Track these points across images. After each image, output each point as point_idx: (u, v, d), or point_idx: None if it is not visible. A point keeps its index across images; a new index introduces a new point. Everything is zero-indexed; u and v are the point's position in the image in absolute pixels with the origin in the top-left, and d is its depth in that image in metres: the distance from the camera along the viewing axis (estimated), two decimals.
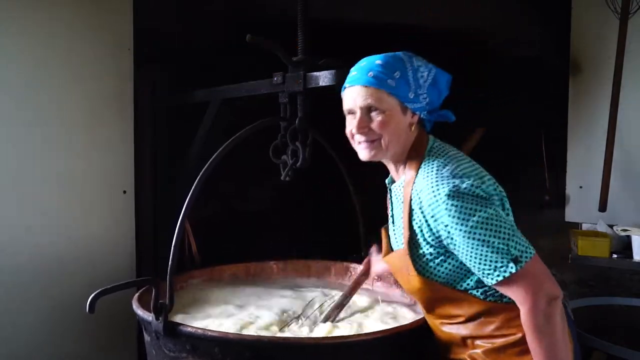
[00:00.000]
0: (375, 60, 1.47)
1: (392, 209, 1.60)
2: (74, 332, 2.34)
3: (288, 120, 2.02)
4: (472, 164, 1.43)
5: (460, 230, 1.31)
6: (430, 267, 1.43)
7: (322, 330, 1.76)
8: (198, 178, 1.65)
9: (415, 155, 1.48)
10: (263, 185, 3.12)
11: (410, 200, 1.43)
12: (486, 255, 1.30)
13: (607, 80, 3.01)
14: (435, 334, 1.57)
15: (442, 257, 1.41)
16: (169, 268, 1.56)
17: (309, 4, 2.00)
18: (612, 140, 2.98)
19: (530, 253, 1.31)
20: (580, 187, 3.29)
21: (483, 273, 1.33)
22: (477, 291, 1.42)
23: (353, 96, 1.47)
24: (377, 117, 1.44)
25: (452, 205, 1.31)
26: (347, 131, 1.52)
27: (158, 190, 2.66)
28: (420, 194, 1.39)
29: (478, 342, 1.45)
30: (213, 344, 1.49)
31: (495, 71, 3.19)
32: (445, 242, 1.37)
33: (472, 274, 1.40)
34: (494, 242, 1.29)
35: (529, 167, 3.37)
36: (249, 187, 3.24)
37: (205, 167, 1.67)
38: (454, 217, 1.31)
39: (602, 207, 3.01)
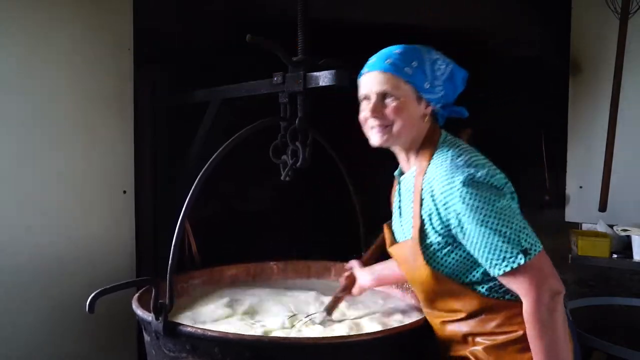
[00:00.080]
0: (395, 49, 1.49)
1: (399, 200, 1.60)
2: (74, 332, 2.34)
3: (288, 120, 2.02)
4: (484, 157, 1.44)
5: (473, 218, 1.31)
6: (438, 257, 1.43)
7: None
8: (198, 178, 1.65)
9: (427, 146, 1.49)
10: (263, 185, 3.12)
11: (422, 189, 1.43)
12: (497, 245, 1.31)
13: (607, 80, 3.01)
14: (435, 333, 1.57)
15: (449, 247, 1.41)
16: (168, 268, 1.56)
17: (309, 4, 2.00)
18: (612, 141, 2.98)
19: (539, 247, 1.32)
20: (580, 187, 3.30)
21: (491, 263, 1.33)
22: (482, 287, 1.43)
23: (369, 81, 1.49)
24: (391, 103, 1.46)
25: (466, 192, 1.32)
26: (361, 117, 1.53)
27: (158, 190, 2.66)
28: (432, 183, 1.40)
29: (479, 339, 1.45)
30: (213, 344, 1.49)
31: (495, 71, 3.19)
32: (454, 231, 1.38)
33: (478, 266, 1.40)
34: (506, 232, 1.30)
35: (529, 167, 3.37)
36: (249, 187, 3.24)
37: (206, 167, 1.67)
38: (467, 204, 1.32)
39: (602, 207, 3.01)
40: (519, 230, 1.31)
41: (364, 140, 1.99)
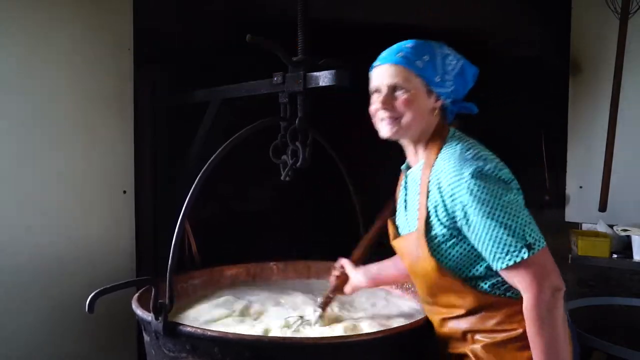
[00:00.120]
0: (407, 43, 1.51)
1: (405, 194, 1.61)
2: (74, 332, 2.34)
3: (288, 120, 2.02)
4: (491, 152, 1.45)
5: (480, 210, 1.32)
6: (442, 249, 1.44)
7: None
8: (198, 178, 1.65)
9: (436, 140, 1.51)
10: (263, 185, 3.12)
11: (428, 181, 1.44)
12: (501, 238, 1.31)
13: (607, 80, 3.02)
14: (435, 330, 1.58)
15: (454, 240, 1.42)
16: (168, 267, 1.56)
17: (309, 4, 2.00)
18: (612, 141, 2.99)
19: (543, 243, 1.33)
20: (580, 187, 3.30)
21: (494, 256, 1.33)
22: (485, 283, 1.43)
23: (381, 74, 1.51)
24: (401, 96, 1.47)
25: (474, 184, 1.33)
26: (371, 109, 1.55)
27: (158, 190, 2.66)
28: (439, 175, 1.41)
29: (478, 336, 1.45)
30: (213, 344, 1.49)
31: (495, 71, 3.18)
32: (459, 224, 1.38)
33: (482, 260, 1.41)
34: (511, 225, 1.31)
35: (529, 167, 3.36)
36: (249, 187, 3.24)
37: (205, 167, 1.67)
38: (475, 196, 1.32)
39: (602, 207, 3.01)
40: (524, 225, 1.32)
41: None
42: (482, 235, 1.34)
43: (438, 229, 1.43)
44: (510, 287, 1.40)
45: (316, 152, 2.06)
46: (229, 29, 2.85)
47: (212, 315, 1.87)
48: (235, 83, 2.25)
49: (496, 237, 1.32)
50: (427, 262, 1.45)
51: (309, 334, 1.73)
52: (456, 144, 1.45)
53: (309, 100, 2.00)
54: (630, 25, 2.94)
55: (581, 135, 3.30)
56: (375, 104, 1.52)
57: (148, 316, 1.58)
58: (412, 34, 1.79)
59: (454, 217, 1.39)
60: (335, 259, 2.27)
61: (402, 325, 1.69)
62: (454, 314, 1.48)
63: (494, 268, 1.36)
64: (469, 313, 1.46)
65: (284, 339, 1.59)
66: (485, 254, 1.36)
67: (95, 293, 1.48)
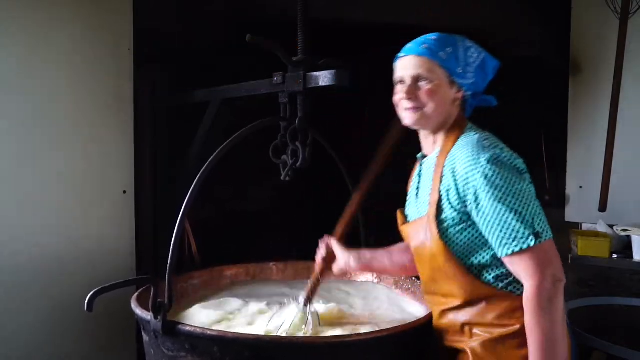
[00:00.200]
0: (431, 35, 1.55)
1: (418, 182, 1.63)
2: (74, 332, 2.34)
3: (288, 120, 2.02)
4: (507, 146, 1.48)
5: (492, 194, 1.34)
6: (450, 233, 1.45)
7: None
8: (197, 177, 1.64)
9: (455, 130, 1.54)
10: (263, 185, 3.12)
11: (443, 166, 1.47)
12: (510, 223, 1.33)
13: (607, 80, 3.02)
14: (434, 323, 1.59)
15: (463, 225, 1.43)
16: (168, 266, 1.56)
17: (309, 4, 2.00)
18: (612, 141, 2.99)
19: (550, 235, 1.35)
20: (580, 187, 3.30)
21: (501, 242, 1.35)
22: (489, 274, 1.44)
23: (405, 65, 1.54)
24: (425, 86, 1.50)
25: (489, 169, 1.36)
26: (395, 98, 1.57)
27: (158, 190, 2.66)
28: (455, 160, 1.44)
29: (476, 330, 1.46)
30: (212, 344, 1.49)
31: None
32: (469, 208, 1.40)
33: (488, 249, 1.42)
34: (521, 212, 1.33)
35: (529, 167, 3.37)
36: (248, 187, 3.24)
37: (205, 166, 1.67)
38: (489, 180, 1.35)
39: (602, 207, 3.01)
40: (533, 214, 1.34)
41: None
42: (492, 219, 1.36)
43: (448, 213, 1.45)
44: (513, 282, 1.41)
45: (316, 152, 2.06)
46: (229, 29, 2.85)
47: (211, 316, 1.86)
48: (235, 83, 2.25)
49: (505, 222, 1.34)
50: (434, 245, 1.47)
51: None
52: (474, 134, 1.49)
53: (309, 100, 2.00)
54: (630, 25, 2.94)
55: (581, 135, 3.30)
56: (400, 94, 1.55)
57: (147, 315, 1.58)
58: (412, 34, 1.80)
59: (465, 201, 1.41)
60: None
61: (402, 325, 1.68)
62: (454, 304, 1.49)
63: (499, 254, 1.37)
64: (469, 304, 1.46)
65: (284, 338, 1.59)
66: (492, 239, 1.37)
67: (94, 292, 1.48)
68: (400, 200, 1.86)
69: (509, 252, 1.34)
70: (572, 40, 3.32)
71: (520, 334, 1.36)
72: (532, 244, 1.31)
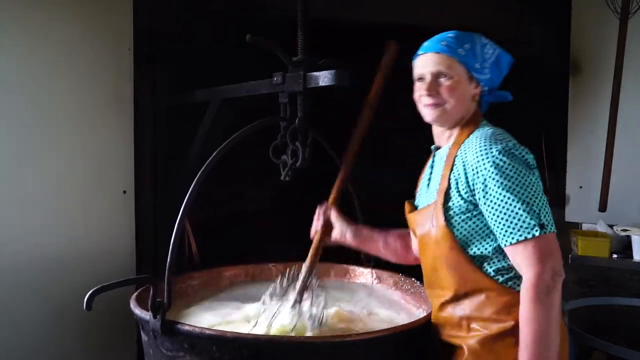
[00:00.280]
0: (448, 33, 1.57)
1: (430, 173, 1.66)
2: (74, 332, 2.34)
3: (288, 120, 2.02)
4: None
5: (501, 183, 1.36)
6: (455, 221, 1.47)
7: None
8: (197, 177, 1.64)
9: (470, 124, 1.56)
10: (263, 185, 3.12)
11: (455, 156, 1.50)
12: (517, 212, 1.35)
13: (607, 80, 3.02)
14: (432, 315, 1.60)
15: (468, 215, 1.45)
16: (167, 265, 1.55)
17: (309, 4, 2.00)
18: (612, 141, 2.99)
19: (554, 229, 1.36)
20: (580, 187, 3.30)
21: (506, 231, 1.36)
22: (490, 266, 1.45)
23: (425, 62, 1.57)
24: (445, 82, 1.53)
25: (500, 160, 1.38)
26: (416, 95, 1.60)
27: (158, 190, 2.66)
28: (467, 150, 1.47)
29: (474, 325, 1.47)
30: (211, 343, 1.48)
31: None
32: (477, 196, 1.42)
33: (491, 240, 1.44)
34: (529, 202, 1.34)
35: None
36: (248, 187, 3.24)
37: (204, 166, 1.67)
38: (499, 169, 1.37)
39: (602, 207, 3.01)
40: (540, 206, 1.35)
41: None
42: (499, 208, 1.37)
43: (455, 201, 1.47)
44: (513, 277, 1.42)
45: (316, 152, 2.06)
46: (229, 29, 2.85)
47: (210, 317, 1.86)
48: (235, 83, 2.25)
49: (512, 211, 1.35)
50: (439, 232, 1.49)
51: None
52: (488, 128, 1.51)
53: (309, 100, 2.00)
54: (630, 25, 2.94)
55: (581, 135, 3.30)
56: (420, 91, 1.58)
57: (146, 315, 1.58)
58: (412, 34, 1.80)
59: (473, 190, 1.43)
60: (334, 260, 2.26)
61: (402, 325, 1.68)
62: (454, 296, 1.50)
63: (503, 244, 1.38)
64: (469, 295, 1.47)
65: (283, 337, 1.59)
66: (497, 228, 1.38)
67: (93, 290, 1.48)
68: (400, 200, 1.86)
69: (513, 240, 1.35)
70: (572, 40, 3.32)
71: (517, 331, 1.36)
72: (536, 234, 1.32)
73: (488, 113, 1.66)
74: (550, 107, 3.41)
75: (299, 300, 1.80)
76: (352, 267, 2.33)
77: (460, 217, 1.47)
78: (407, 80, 1.70)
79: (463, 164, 1.46)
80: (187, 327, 1.51)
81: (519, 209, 1.34)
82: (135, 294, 1.80)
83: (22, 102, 2.20)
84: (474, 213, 1.45)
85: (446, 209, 1.49)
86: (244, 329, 1.72)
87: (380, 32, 2.06)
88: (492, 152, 1.39)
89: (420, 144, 1.87)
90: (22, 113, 2.20)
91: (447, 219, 1.48)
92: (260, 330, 1.67)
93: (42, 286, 2.26)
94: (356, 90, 1.94)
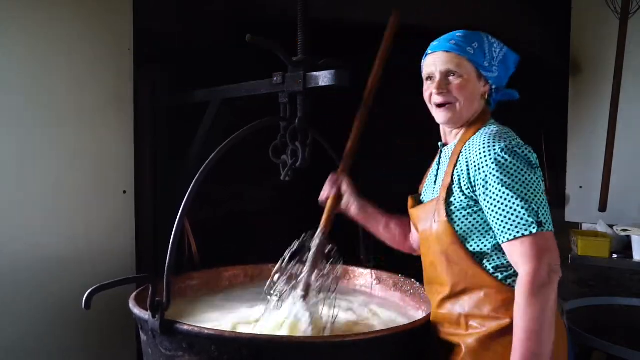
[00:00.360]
0: (457, 33, 1.59)
1: (437, 169, 1.67)
2: (74, 332, 2.34)
3: (288, 120, 2.02)
4: None
5: (502, 180, 1.37)
6: (456, 216, 1.49)
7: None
8: (196, 177, 1.64)
9: (477, 123, 1.58)
10: (262, 185, 3.11)
11: (460, 153, 1.52)
12: (515, 209, 1.35)
13: (607, 80, 3.02)
14: (432, 313, 1.61)
15: (469, 210, 1.47)
16: (166, 264, 1.55)
17: (309, 4, 2.00)
18: (612, 141, 2.99)
19: (551, 227, 1.37)
20: (580, 187, 3.30)
21: (504, 227, 1.37)
22: (489, 262, 1.46)
23: (434, 61, 1.58)
24: (455, 81, 1.55)
25: (502, 157, 1.39)
26: (426, 95, 1.62)
27: (158, 190, 2.65)
28: (471, 147, 1.48)
29: (472, 322, 1.47)
30: (210, 343, 1.48)
31: None
32: (478, 193, 1.44)
33: (490, 237, 1.45)
34: (528, 200, 1.35)
35: None
36: (248, 187, 3.24)
37: (204, 166, 1.67)
38: (500, 166, 1.38)
39: (602, 207, 3.02)
40: (539, 204, 1.36)
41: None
42: (498, 204, 1.38)
43: (457, 196, 1.49)
44: (512, 275, 1.43)
45: (316, 152, 2.06)
46: (229, 29, 2.85)
47: (208, 316, 1.86)
48: (235, 83, 2.25)
49: (511, 208, 1.36)
50: (441, 227, 1.51)
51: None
52: (494, 127, 1.52)
53: (309, 100, 2.00)
54: (630, 25, 2.94)
55: (581, 135, 3.30)
56: (430, 90, 1.59)
57: (145, 315, 1.57)
58: (412, 34, 1.79)
59: (474, 187, 1.45)
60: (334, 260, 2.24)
61: (402, 325, 1.69)
62: (453, 292, 1.51)
63: (501, 240, 1.39)
64: (468, 292, 1.48)
65: (282, 337, 1.59)
66: (496, 224, 1.39)
67: (92, 289, 1.48)
68: (399, 199, 1.86)
69: (511, 237, 1.36)
70: (572, 40, 3.32)
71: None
72: (533, 231, 1.33)
73: (490, 111, 1.67)
74: (550, 107, 3.41)
75: (309, 282, 1.78)
76: (351, 268, 2.33)
77: (461, 213, 1.48)
78: (407, 80, 1.70)
79: (466, 161, 1.48)
80: (185, 327, 1.51)
81: (518, 205, 1.35)
82: (135, 293, 1.80)
83: (22, 102, 2.20)
84: (475, 209, 1.46)
85: (448, 204, 1.50)
86: (244, 328, 1.73)
87: (380, 32, 2.07)
88: (494, 150, 1.40)
89: (419, 143, 1.87)
90: (22, 113, 2.20)
91: (449, 214, 1.50)
92: (260, 327, 1.67)
93: (42, 286, 2.26)
94: (356, 90, 1.94)
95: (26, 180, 2.22)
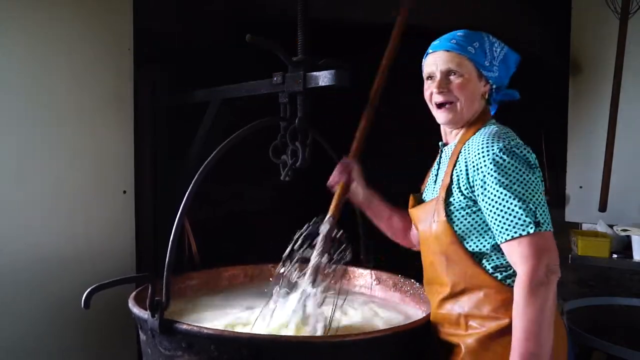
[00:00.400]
0: (458, 32, 1.59)
1: (438, 169, 1.68)
2: (74, 332, 2.34)
3: (288, 120, 2.02)
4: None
5: (499, 180, 1.37)
6: (455, 216, 1.49)
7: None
8: (196, 177, 1.64)
9: (477, 122, 1.58)
10: (262, 185, 3.11)
11: (459, 153, 1.52)
12: (513, 209, 1.35)
13: (607, 80, 3.02)
14: (431, 313, 1.61)
15: (468, 211, 1.47)
16: (166, 264, 1.55)
17: (309, 4, 2.00)
18: (612, 141, 2.99)
19: (550, 227, 1.36)
20: (580, 187, 3.30)
21: (502, 227, 1.37)
22: (488, 262, 1.46)
23: (435, 60, 1.58)
24: (455, 80, 1.55)
25: (500, 158, 1.39)
26: (426, 94, 1.62)
27: (158, 190, 2.65)
28: (470, 147, 1.48)
29: (472, 322, 1.47)
30: (209, 342, 1.48)
31: None
32: (476, 193, 1.44)
33: (489, 237, 1.45)
34: (525, 200, 1.35)
35: None
36: (248, 187, 3.23)
37: (203, 166, 1.67)
38: (498, 167, 1.38)
39: (602, 207, 3.01)
40: (537, 204, 1.36)
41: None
42: (495, 205, 1.38)
43: (456, 196, 1.49)
44: (512, 275, 1.43)
45: (316, 152, 2.06)
46: (229, 29, 2.85)
47: (207, 317, 1.86)
48: (235, 83, 2.25)
49: (508, 208, 1.36)
50: (440, 227, 1.51)
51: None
52: (493, 127, 1.52)
53: (309, 100, 2.00)
54: (630, 25, 2.94)
55: (581, 135, 3.30)
56: (430, 89, 1.59)
57: (144, 314, 1.57)
58: (412, 34, 1.79)
59: (473, 187, 1.45)
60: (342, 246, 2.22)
61: (402, 325, 1.69)
62: (453, 292, 1.51)
63: (499, 240, 1.39)
64: (467, 292, 1.48)
65: (281, 337, 1.58)
66: (494, 225, 1.40)
67: (91, 289, 1.49)
68: (399, 199, 1.86)
69: (508, 237, 1.36)
70: (572, 40, 3.32)
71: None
72: (531, 231, 1.33)
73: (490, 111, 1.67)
74: (550, 107, 3.40)
75: (318, 266, 1.78)
76: (351, 269, 2.33)
77: (460, 213, 1.48)
78: (407, 80, 1.70)
79: (465, 161, 1.48)
80: (185, 326, 1.51)
81: (515, 206, 1.35)
82: (134, 293, 1.80)
83: (22, 102, 2.20)
84: (474, 209, 1.47)
85: (447, 204, 1.51)
86: (244, 328, 1.73)
87: (380, 32, 2.07)
88: (492, 150, 1.40)
89: (420, 143, 1.87)
90: (22, 113, 2.20)
91: (448, 214, 1.50)
92: (260, 327, 1.67)
93: (41, 286, 2.26)
94: (356, 90, 1.94)
95: (26, 180, 2.22)
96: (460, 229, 1.49)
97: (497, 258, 1.46)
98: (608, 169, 2.99)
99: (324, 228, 1.82)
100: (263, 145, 2.05)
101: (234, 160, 2.14)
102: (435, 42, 1.61)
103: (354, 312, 1.99)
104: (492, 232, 1.44)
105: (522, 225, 1.34)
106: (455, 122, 1.59)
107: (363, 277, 2.31)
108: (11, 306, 2.18)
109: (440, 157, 1.69)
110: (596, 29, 3.18)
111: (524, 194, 1.35)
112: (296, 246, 1.81)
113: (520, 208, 1.34)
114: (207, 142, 2.38)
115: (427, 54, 1.63)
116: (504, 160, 1.38)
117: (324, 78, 1.89)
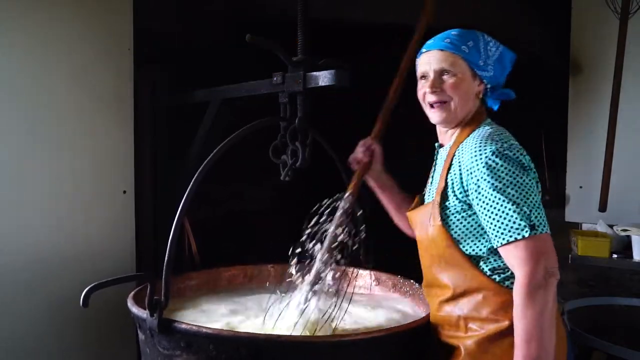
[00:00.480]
0: (452, 31, 1.58)
1: (434, 170, 1.68)
2: (74, 332, 2.34)
3: (288, 120, 2.02)
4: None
5: (493, 184, 1.36)
6: (451, 220, 1.49)
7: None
8: (195, 176, 1.64)
9: (472, 123, 1.56)
10: (262, 185, 3.11)
11: (453, 156, 1.51)
12: (507, 213, 1.35)
13: (607, 80, 3.02)
14: (431, 315, 1.61)
15: (464, 214, 1.47)
16: (165, 263, 1.55)
17: (309, 4, 2.00)
18: (612, 141, 2.99)
19: (547, 229, 1.35)
20: (580, 187, 3.30)
21: (497, 231, 1.36)
22: (486, 265, 1.46)
23: (429, 60, 1.57)
24: (449, 79, 1.53)
25: (493, 161, 1.38)
26: (419, 93, 1.61)
27: (158, 190, 2.66)
28: (464, 150, 1.48)
29: (471, 325, 1.47)
30: (208, 342, 1.48)
31: None
32: (470, 197, 1.43)
33: (485, 240, 1.44)
34: (519, 204, 1.34)
35: None
36: (248, 187, 3.23)
37: (203, 165, 1.67)
38: (491, 171, 1.37)
39: (602, 207, 3.01)
40: (532, 207, 1.35)
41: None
42: (490, 209, 1.37)
43: (452, 200, 1.49)
44: (510, 277, 1.42)
45: (316, 152, 2.06)
46: (229, 29, 2.85)
47: (207, 316, 1.85)
48: (235, 83, 2.25)
49: (502, 212, 1.35)
50: (436, 231, 1.50)
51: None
52: (488, 128, 1.51)
53: (309, 100, 2.00)
54: (630, 25, 2.94)
55: (581, 135, 3.30)
56: (424, 89, 1.57)
57: (143, 313, 1.57)
58: (412, 34, 1.79)
59: (467, 191, 1.44)
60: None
61: (402, 325, 1.68)
62: (452, 294, 1.51)
63: (495, 244, 1.39)
64: (466, 294, 1.48)
65: (280, 336, 1.58)
66: (489, 229, 1.39)
67: (90, 287, 1.49)
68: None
69: (504, 241, 1.35)
70: (572, 40, 3.31)
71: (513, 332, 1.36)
72: (526, 234, 1.32)
73: (488, 112, 1.66)
74: (550, 107, 3.40)
75: (331, 245, 1.77)
76: (351, 268, 2.32)
77: (455, 217, 1.48)
78: (408, 79, 1.70)
79: (459, 165, 1.47)
80: (183, 326, 1.51)
81: (509, 209, 1.34)
82: (133, 292, 1.80)
83: (22, 102, 2.20)
84: (469, 213, 1.46)
85: (443, 208, 1.50)
86: (244, 328, 1.72)
87: (380, 32, 2.06)
88: (485, 153, 1.39)
89: (422, 143, 1.87)
90: (22, 113, 2.21)
91: (444, 218, 1.49)
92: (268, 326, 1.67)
93: (41, 286, 2.26)
94: (356, 90, 1.94)
95: (26, 180, 2.22)
96: (456, 232, 1.48)
97: (495, 260, 1.45)
98: (608, 169, 2.98)
99: (343, 204, 1.81)
100: (263, 145, 2.05)
101: (234, 160, 2.14)
102: (429, 42, 1.60)
103: (354, 312, 1.98)
104: (487, 235, 1.43)
105: (517, 229, 1.33)
106: (449, 122, 1.58)
107: (362, 278, 2.30)
108: (11, 306, 2.18)
109: (436, 158, 1.69)
110: (596, 29, 3.18)
111: (517, 197, 1.34)
112: (314, 220, 1.81)
113: (514, 212, 1.34)
114: (207, 142, 2.38)
115: (420, 53, 1.62)
116: (497, 164, 1.37)
117: (324, 78, 1.89)
